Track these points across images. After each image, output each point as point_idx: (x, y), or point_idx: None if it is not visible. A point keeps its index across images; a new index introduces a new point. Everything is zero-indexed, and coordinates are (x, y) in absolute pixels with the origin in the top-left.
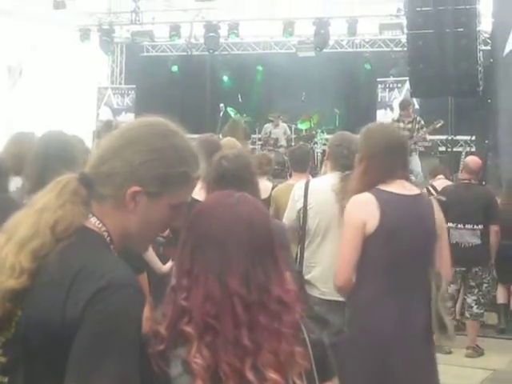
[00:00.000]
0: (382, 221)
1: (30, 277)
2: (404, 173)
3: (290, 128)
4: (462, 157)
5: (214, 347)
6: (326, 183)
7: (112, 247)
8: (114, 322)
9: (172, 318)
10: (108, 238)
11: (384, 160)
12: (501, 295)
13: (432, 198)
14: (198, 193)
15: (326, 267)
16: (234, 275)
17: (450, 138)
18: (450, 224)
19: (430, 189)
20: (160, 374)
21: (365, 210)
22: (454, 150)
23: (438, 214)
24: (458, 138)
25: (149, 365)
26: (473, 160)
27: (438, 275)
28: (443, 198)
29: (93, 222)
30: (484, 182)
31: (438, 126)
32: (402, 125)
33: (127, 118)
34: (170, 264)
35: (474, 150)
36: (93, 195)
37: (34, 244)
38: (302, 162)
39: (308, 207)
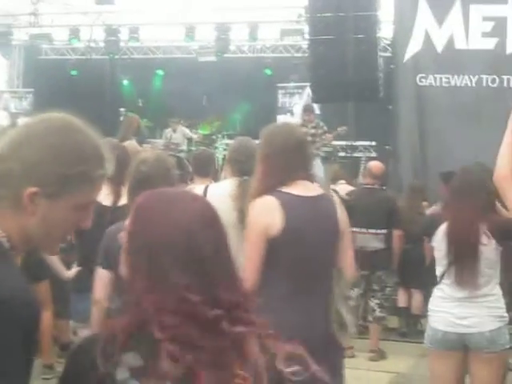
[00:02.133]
0: (284, 224)
1: None
2: (306, 173)
3: (191, 133)
4: (362, 162)
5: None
6: (223, 189)
7: (12, 253)
8: None
9: (128, 323)
10: (8, 244)
11: (283, 159)
12: (402, 299)
13: (335, 197)
14: (104, 197)
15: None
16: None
17: (349, 143)
18: (355, 228)
19: (333, 193)
20: (106, 377)
21: (267, 213)
22: (354, 155)
23: (342, 214)
24: (358, 143)
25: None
26: (376, 165)
27: (339, 273)
28: (347, 197)
29: None
30: (385, 187)
31: (342, 132)
32: (305, 129)
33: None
34: (73, 270)
35: (374, 155)
36: None
37: None
38: (205, 167)
39: None
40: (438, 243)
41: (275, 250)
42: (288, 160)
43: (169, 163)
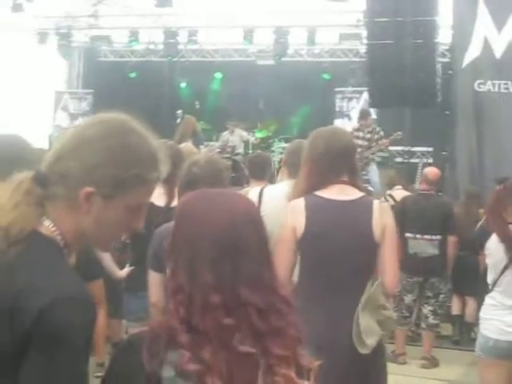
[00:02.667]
0: (306, 226)
1: None
2: (351, 177)
3: (248, 136)
4: (419, 168)
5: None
6: (280, 190)
7: (66, 251)
8: (60, 342)
9: (169, 323)
10: (62, 242)
11: (324, 163)
12: (456, 306)
13: (385, 203)
14: (158, 197)
15: None
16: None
17: (406, 149)
18: (409, 234)
19: (389, 198)
20: (151, 375)
21: (294, 216)
22: (411, 161)
23: (384, 220)
24: (415, 149)
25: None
26: (432, 171)
27: (374, 280)
28: (400, 203)
29: (46, 226)
30: (441, 193)
31: (398, 137)
32: (361, 134)
33: None
34: (126, 270)
35: (431, 161)
36: (47, 195)
37: None
38: (261, 170)
39: (262, 214)
40: (491, 250)
41: (300, 251)
42: (329, 164)
43: (221, 165)
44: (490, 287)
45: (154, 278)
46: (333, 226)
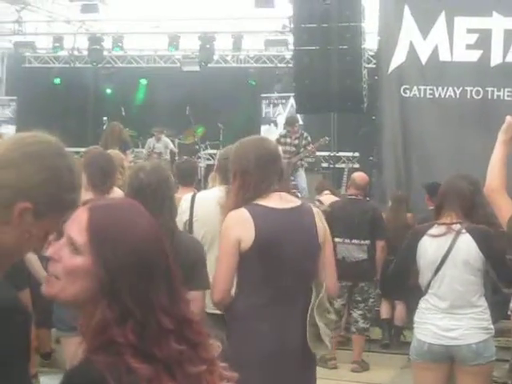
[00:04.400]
0: (256, 236)
1: None
2: (282, 184)
3: (173, 142)
4: (345, 173)
5: None
6: (211, 196)
7: None
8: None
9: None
10: None
11: (257, 174)
12: (385, 310)
13: (316, 208)
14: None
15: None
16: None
17: (332, 154)
18: (337, 239)
19: (317, 204)
20: None
21: (240, 226)
22: (337, 166)
23: (321, 224)
24: (341, 154)
25: None
26: (360, 176)
27: (318, 284)
28: (328, 208)
29: None
30: (369, 198)
31: (325, 142)
32: (288, 140)
33: (8, 130)
34: None
35: (356, 166)
36: None
37: None
38: (189, 176)
39: (194, 219)
40: (421, 251)
41: (247, 261)
42: (262, 175)
43: (167, 171)
44: (423, 290)
45: None
46: (281, 235)
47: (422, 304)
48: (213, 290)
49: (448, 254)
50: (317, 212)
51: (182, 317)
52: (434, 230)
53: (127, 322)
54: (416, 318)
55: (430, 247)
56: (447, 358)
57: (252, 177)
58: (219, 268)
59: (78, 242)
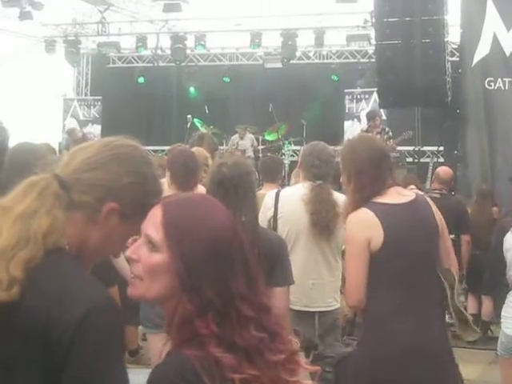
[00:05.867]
0: (386, 236)
1: (20, 289)
2: (392, 179)
3: (257, 139)
4: (430, 167)
5: None
6: (296, 193)
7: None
8: (105, 347)
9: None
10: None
11: (372, 172)
12: (471, 306)
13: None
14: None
15: (296, 276)
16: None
17: (417, 148)
18: None
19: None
20: None
21: (366, 226)
22: (421, 160)
23: (438, 214)
24: (425, 148)
25: None
26: (444, 170)
27: (448, 272)
28: (437, 195)
29: None
30: (454, 193)
31: (407, 137)
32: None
33: (94, 130)
34: None
35: (441, 160)
36: (72, 202)
37: (24, 254)
38: (274, 173)
39: (278, 216)
40: (508, 245)
41: (378, 261)
42: (377, 173)
43: (248, 167)
44: (510, 284)
45: None
46: (407, 230)
47: (510, 298)
48: (348, 295)
49: None
50: (432, 202)
51: (261, 305)
52: None
53: (208, 313)
54: (503, 313)
55: None
56: None
57: (367, 176)
58: (351, 273)
59: (154, 238)
